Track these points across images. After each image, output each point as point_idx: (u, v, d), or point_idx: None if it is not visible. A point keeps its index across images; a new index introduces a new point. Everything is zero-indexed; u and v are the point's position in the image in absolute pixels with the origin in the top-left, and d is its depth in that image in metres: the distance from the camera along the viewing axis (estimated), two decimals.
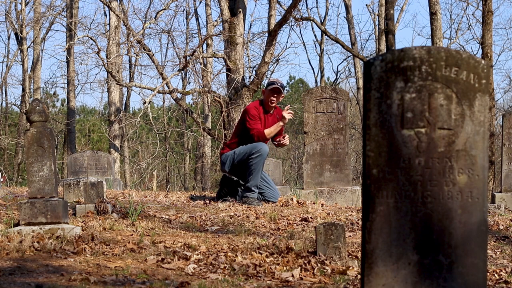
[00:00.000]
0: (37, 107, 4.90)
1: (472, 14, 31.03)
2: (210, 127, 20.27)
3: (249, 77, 15.41)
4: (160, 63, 15.43)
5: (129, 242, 4.52)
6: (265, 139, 6.80)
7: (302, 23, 21.16)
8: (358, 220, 5.93)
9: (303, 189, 8.45)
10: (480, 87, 2.19)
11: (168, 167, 27.79)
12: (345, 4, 26.51)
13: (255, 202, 6.65)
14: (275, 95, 6.76)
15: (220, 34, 14.97)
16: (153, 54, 15.09)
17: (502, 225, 6.06)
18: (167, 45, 24.47)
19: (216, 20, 20.70)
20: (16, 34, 25.56)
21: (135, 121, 18.88)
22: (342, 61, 50.02)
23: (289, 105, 7.13)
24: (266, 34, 13.64)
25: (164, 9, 17.27)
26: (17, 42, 26.01)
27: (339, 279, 3.65)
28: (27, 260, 3.85)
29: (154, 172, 21.14)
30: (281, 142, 6.92)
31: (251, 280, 3.58)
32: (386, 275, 2.18)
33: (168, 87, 15.15)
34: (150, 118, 16.83)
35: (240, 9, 13.75)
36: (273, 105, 6.82)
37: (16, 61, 27.56)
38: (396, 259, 2.19)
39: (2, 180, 16.43)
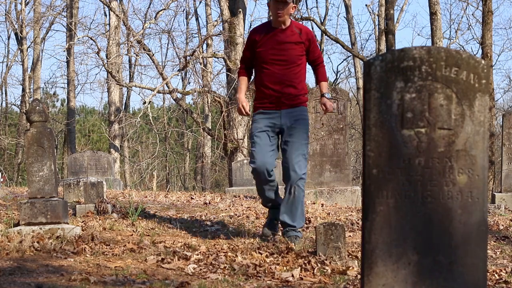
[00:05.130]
0: (37, 107, 4.90)
1: (472, 14, 31.06)
2: (210, 127, 20.28)
3: None
4: (160, 63, 15.45)
5: (129, 242, 4.52)
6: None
7: (302, 23, 21.15)
8: (358, 220, 5.94)
9: None
10: (480, 87, 2.19)
11: (168, 167, 27.79)
12: (345, 4, 26.52)
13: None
14: (280, 7, 4.80)
15: (220, 34, 14.98)
16: (153, 54, 15.10)
17: (502, 225, 6.07)
18: (167, 45, 24.51)
19: (216, 20, 20.69)
20: (16, 34, 25.54)
21: (135, 121, 18.89)
22: (342, 61, 50.05)
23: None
24: None
25: (164, 9, 17.27)
26: (17, 42, 26.00)
27: (339, 279, 3.65)
28: (27, 260, 3.85)
29: (154, 172, 21.15)
30: (325, 111, 5.02)
31: (251, 280, 3.58)
32: (386, 275, 2.18)
33: (168, 87, 15.16)
34: (150, 118, 16.84)
35: (240, 9, 13.75)
36: (281, 19, 4.81)
37: (16, 61, 27.55)
38: (396, 259, 2.18)
39: (2, 180, 16.43)
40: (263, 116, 4.79)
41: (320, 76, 4.98)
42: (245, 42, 5.05)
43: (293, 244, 4.48)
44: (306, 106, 4.87)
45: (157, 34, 18.29)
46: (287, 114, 4.73)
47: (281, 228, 4.89)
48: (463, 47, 27.33)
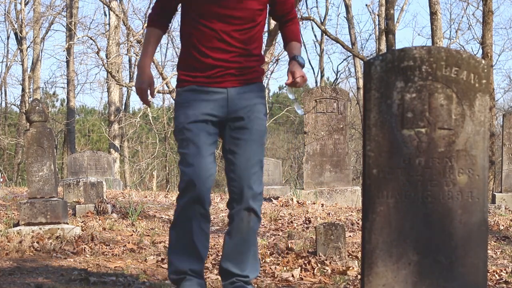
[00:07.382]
0: (37, 107, 4.89)
1: (472, 14, 31.00)
2: None
3: None
4: (160, 63, 15.44)
5: (129, 242, 4.52)
6: None
7: (302, 23, 21.16)
8: (358, 220, 5.93)
9: (303, 189, 8.45)
10: (480, 87, 2.19)
11: (168, 167, 27.77)
12: (345, 4, 26.50)
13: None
14: None
15: None
16: None
17: (503, 225, 6.06)
18: (167, 45, 24.44)
19: None
20: (15, 34, 25.52)
21: (135, 121, 18.89)
22: (342, 61, 49.96)
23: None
24: (266, 34, 13.64)
25: None
26: (17, 42, 25.98)
27: (339, 279, 3.64)
28: (26, 260, 3.84)
29: (154, 172, 21.13)
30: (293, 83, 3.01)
31: None
32: (386, 275, 2.18)
33: (168, 87, 15.15)
34: (150, 118, 16.84)
35: None
36: None
37: (16, 61, 27.52)
38: (396, 259, 2.18)
39: (1, 180, 16.43)
40: (197, 97, 2.87)
41: (291, 33, 3.10)
42: None
43: None
44: (262, 82, 3.07)
45: None
46: (238, 96, 2.89)
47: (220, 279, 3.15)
48: (463, 47, 27.33)
